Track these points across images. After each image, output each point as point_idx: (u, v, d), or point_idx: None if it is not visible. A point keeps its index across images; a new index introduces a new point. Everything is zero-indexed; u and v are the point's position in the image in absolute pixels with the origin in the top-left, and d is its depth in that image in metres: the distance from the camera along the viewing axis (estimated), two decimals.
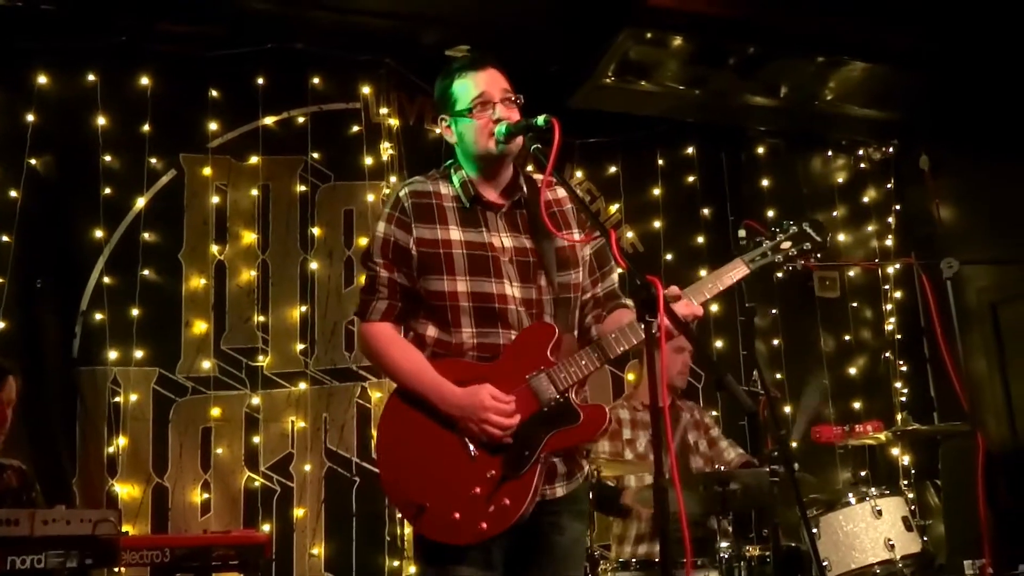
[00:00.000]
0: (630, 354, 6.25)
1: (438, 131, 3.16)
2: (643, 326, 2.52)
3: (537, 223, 3.02)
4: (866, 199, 7.49)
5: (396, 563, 5.64)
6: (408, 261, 2.97)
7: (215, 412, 5.64)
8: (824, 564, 4.49)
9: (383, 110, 6.23)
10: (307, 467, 5.71)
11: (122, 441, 5.42)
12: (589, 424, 2.87)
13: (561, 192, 3.14)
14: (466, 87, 3.00)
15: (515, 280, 2.96)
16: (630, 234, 6.81)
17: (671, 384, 5.42)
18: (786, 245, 3.07)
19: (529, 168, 3.16)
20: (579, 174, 6.71)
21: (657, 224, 6.85)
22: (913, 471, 6.63)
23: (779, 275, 5.92)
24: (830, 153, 7.55)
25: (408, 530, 5.36)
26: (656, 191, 6.92)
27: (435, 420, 2.89)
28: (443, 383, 2.88)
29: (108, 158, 5.66)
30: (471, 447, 2.85)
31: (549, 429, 2.85)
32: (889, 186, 7.49)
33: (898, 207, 7.42)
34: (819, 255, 3.09)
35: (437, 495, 2.82)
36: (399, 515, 2.83)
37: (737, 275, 3.03)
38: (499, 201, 3.04)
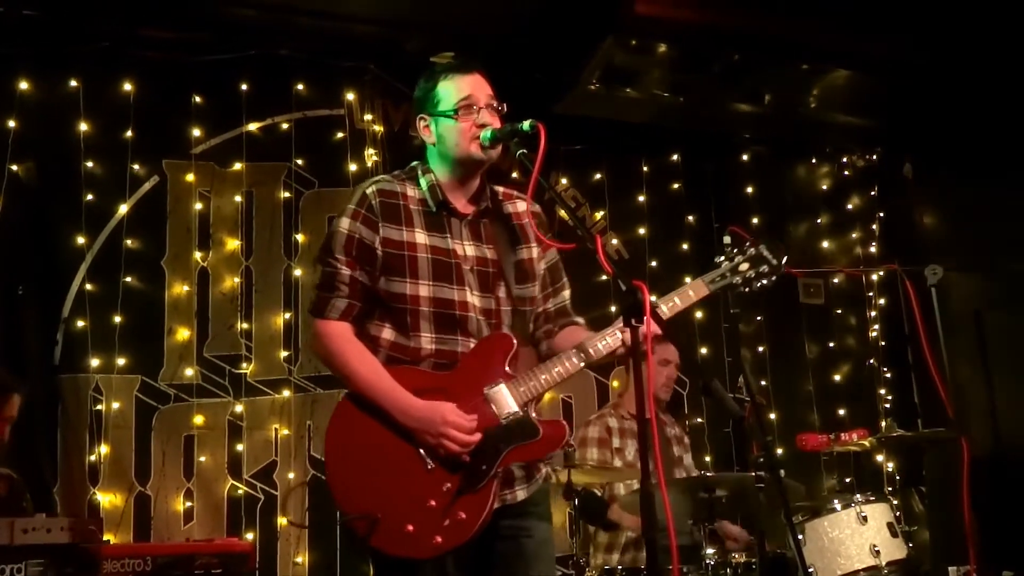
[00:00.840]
0: (615, 361, 6.33)
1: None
2: (615, 334, 2.51)
3: (500, 234, 3.02)
4: (850, 206, 7.51)
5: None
6: (372, 260, 2.91)
7: (198, 420, 5.60)
8: (810, 570, 4.48)
9: (367, 116, 6.21)
10: (291, 475, 5.68)
11: (104, 449, 5.38)
12: (548, 440, 2.85)
13: (521, 206, 3.13)
14: (451, 89, 2.97)
15: (475, 289, 2.94)
16: (615, 240, 6.81)
17: (656, 396, 5.42)
18: (744, 267, 3.03)
19: (514, 175, 3.14)
20: (564, 181, 6.70)
21: (642, 231, 6.86)
22: (898, 477, 6.65)
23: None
24: (814, 160, 7.58)
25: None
26: (641, 198, 6.92)
27: (390, 429, 2.81)
28: (402, 392, 2.82)
29: (90, 164, 5.62)
30: (427, 459, 2.79)
31: (508, 444, 2.81)
32: (873, 193, 7.51)
33: (882, 214, 7.44)
34: (775, 277, 3.05)
35: (391, 506, 2.75)
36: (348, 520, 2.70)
37: (696, 295, 3.01)
38: (465, 209, 3.01)
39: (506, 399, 2.83)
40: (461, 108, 2.94)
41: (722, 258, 3.07)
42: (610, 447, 5.26)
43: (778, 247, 3.06)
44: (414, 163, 3.08)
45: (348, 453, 2.84)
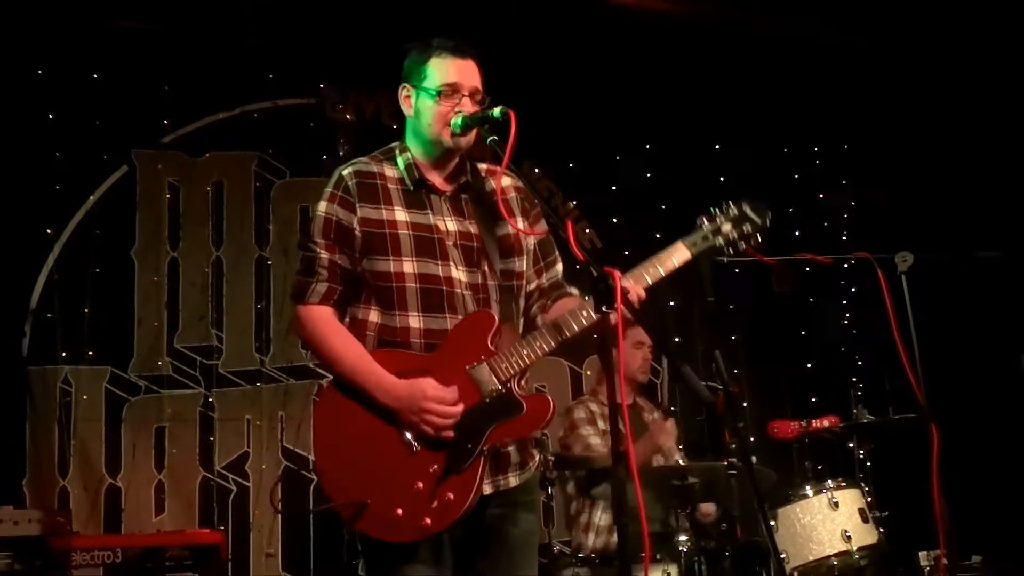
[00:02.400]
0: (589, 348, 6.33)
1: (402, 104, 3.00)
2: (592, 312, 2.49)
3: (481, 209, 2.98)
4: (821, 194, 7.53)
5: (355, 562, 5.58)
6: (351, 242, 2.87)
7: (169, 411, 5.57)
8: (782, 556, 4.50)
9: (339, 105, 6.17)
10: (264, 466, 5.65)
11: (73, 441, 5.33)
12: (533, 415, 2.80)
13: (506, 180, 3.09)
14: (440, 69, 2.92)
15: (460, 264, 2.90)
16: (588, 230, 6.80)
17: (632, 379, 5.43)
18: (727, 227, 2.95)
19: (483, 165, 3.11)
20: (537, 170, 6.68)
21: (615, 220, 6.85)
22: (869, 463, 6.68)
23: (724, 259, 5.91)
24: (785, 149, 7.58)
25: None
26: (614, 187, 6.91)
27: (374, 412, 2.79)
28: (383, 373, 2.79)
29: (58, 154, 5.55)
30: (412, 441, 2.76)
31: (492, 421, 2.77)
32: (844, 181, 7.53)
33: (853, 202, 7.46)
34: (759, 237, 2.97)
35: (378, 491, 2.73)
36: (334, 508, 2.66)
37: (679, 259, 2.92)
38: (443, 186, 2.98)
39: (489, 376, 2.79)
40: (444, 91, 2.90)
41: (703, 218, 2.98)
42: (597, 428, 5.27)
43: (761, 206, 2.99)
44: (392, 144, 3.06)
45: (335, 441, 2.82)
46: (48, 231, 5.50)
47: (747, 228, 2.98)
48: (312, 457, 2.89)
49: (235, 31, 5.89)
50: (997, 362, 6.20)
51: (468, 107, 2.92)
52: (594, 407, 5.33)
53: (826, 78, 6.62)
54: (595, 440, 5.12)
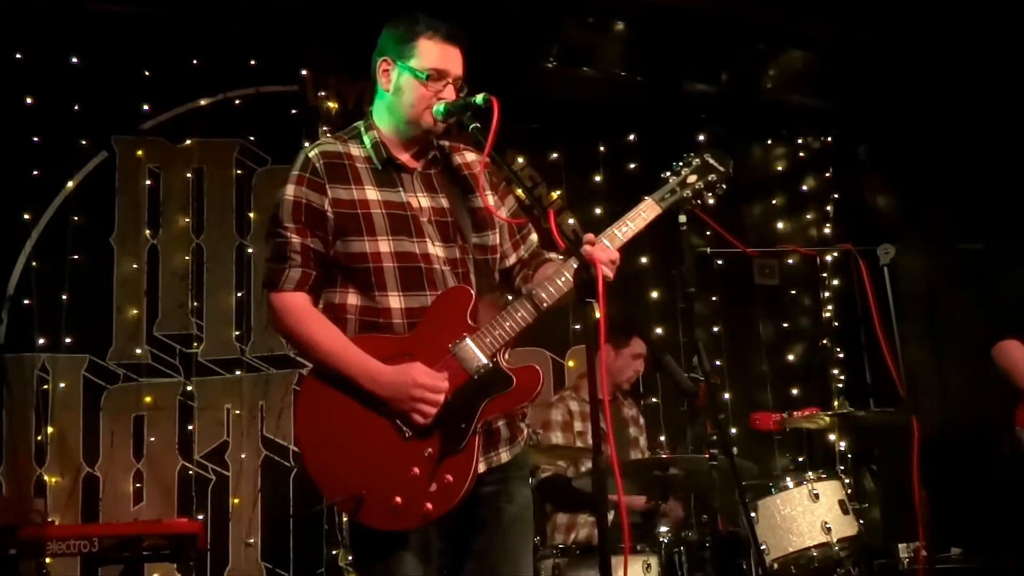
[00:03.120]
0: (571, 339, 6.33)
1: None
2: (569, 275, 2.50)
3: (451, 183, 2.95)
4: (805, 187, 7.55)
5: (335, 552, 5.56)
6: (323, 225, 2.80)
7: (148, 399, 5.53)
8: (762, 548, 4.50)
9: (321, 92, 6.13)
10: (243, 455, 5.61)
11: (51, 429, 5.29)
12: (523, 387, 2.76)
13: (470, 156, 3.06)
14: (431, 52, 2.87)
15: (437, 240, 2.86)
16: (571, 220, 6.78)
17: (618, 384, 5.43)
18: (692, 179, 2.96)
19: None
20: (521, 160, 6.66)
21: (599, 211, 6.83)
22: (849, 456, 6.71)
23: (708, 250, 5.89)
24: (770, 142, 7.60)
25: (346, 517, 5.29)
26: (598, 178, 6.90)
27: (360, 400, 2.72)
28: (369, 360, 2.72)
29: (36, 139, 5.50)
30: (403, 427, 2.71)
31: (483, 398, 2.72)
32: (827, 174, 7.55)
33: (836, 195, 7.48)
34: (724, 185, 2.98)
35: (374, 481, 2.67)
36: (331, 504, 2.61)
37: (649, 215, 2.91)
38: (412, 163, 2.94)
39: (474, 352, 2.75)
40: (432, 75, 2.86)
41: (668, 173, 2.99)
42: (573, 431, 5.26)
43: (723, 154, 3.00)
44: (356, 123, 3.02)
45: (322, 433, 2.76)
46: (26, 217, 5.43)
47: (712, 177, 2.99)
48: (295, 449, 2.83)
49: (217, 15, 5.83)
50: (977, 356, 6.22)
51: (451, 95, 2.89)
52: (574, 406, 5.32)
53: (813, 69, 6.61)
54: (559, 440, 5.11)
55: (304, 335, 2.79)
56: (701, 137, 7.25)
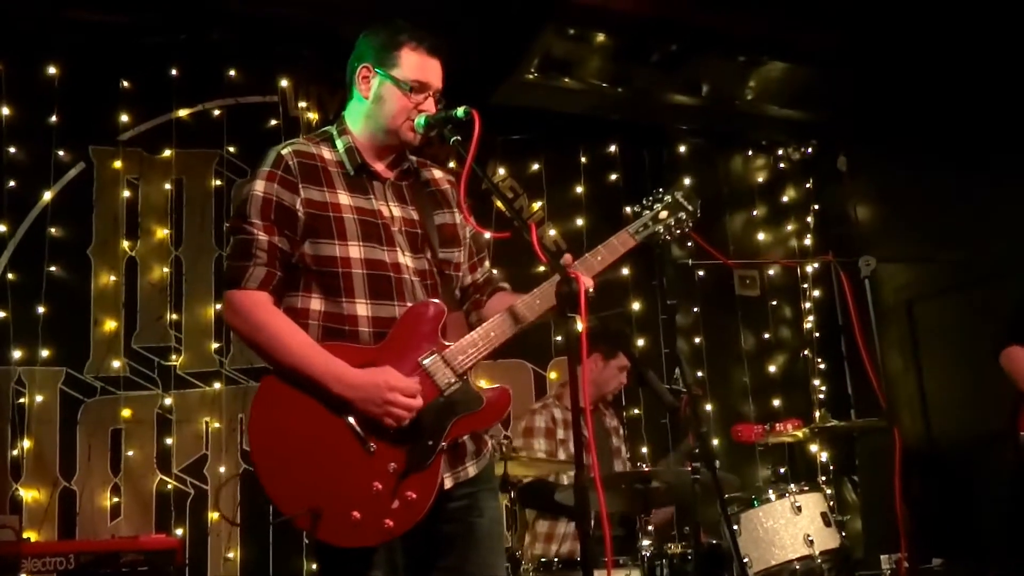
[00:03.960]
0: (552, 351, 6.32)
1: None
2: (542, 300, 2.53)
3: (421, 197, 2.93)
4: (785, 198, 7.57)
5: (315, 566, 5.51)
6: (292, 224, 2.73)
7: (125, 413, 5.47)
8: (745, 561, 4.50)
9: (302, 103, 6.11)
10: (222, 469, 5.56)
11: (27, 444, 5.23)
12: (492, 408, 2.74)
13: (437, 174, 3.06)
14: (414, 63, 2.86)
15: (407, 250, 2.83)
16: (553, 232, 6.77)
17: (603, 395, 5.42)
18: (664, 215, 3.07)
19: (451, 163, 3.08)
20: (501, 171, 6.65)
21: (580, 222, 6.83)
22: (831, 467, 6.72)
23: (689, 262, 5.93)
24: (750, 152, 7.61)
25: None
26: (579, 188, 6.89)
27: (324, 408, 2.63)
28: (338, 362, 2.63)
29: (12, 150, 5.45)
30: (368, 440, 2.62)
31: (451, 416, 2.69)
32: (808, 186, 7.57)
33: (817, 206, 7.50)
34: (691, 224, 3.11)
35: (333, 494, 2.58)
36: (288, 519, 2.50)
37: (624, 247, 3.01)
38: (386, 172, 2.92)
39: (444, 370, 2.71)
40: (414, 87, 2.86)
41: (641, 208, 3.10)
42: (555, 438, 5.23)
43: (691, 194, 3.12)
44: (327, 127, 2.99)
45: (278, 442, 2.64)
46: (2, 229, 5.38)
47: (681, 215, 3.09)
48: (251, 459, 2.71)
49: (196, 26, 5.80)
50: (958, 366, 6.25)
51: (431, 107, 2.88)
52: (557, 413, 5.29)
53: (793, 80, 6.63)
54: (541, 456, 5.09)
55: (267, 334, 2.68)
56: (682, 148, 7.28)
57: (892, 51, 6.22)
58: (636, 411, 6.59)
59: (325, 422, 2.63)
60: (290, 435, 2.64)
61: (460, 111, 2.78)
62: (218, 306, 5.74)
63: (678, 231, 3.09)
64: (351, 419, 2.64)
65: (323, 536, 2.60)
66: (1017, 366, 4.51)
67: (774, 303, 7.35)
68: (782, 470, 6.72)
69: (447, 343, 2.76)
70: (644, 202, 3.09)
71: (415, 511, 2.62)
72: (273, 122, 6.05)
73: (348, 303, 2.73)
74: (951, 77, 6.08)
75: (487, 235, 3.05)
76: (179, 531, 5.37)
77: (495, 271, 3.16)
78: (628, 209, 3.12)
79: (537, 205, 6.77)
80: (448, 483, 2.74)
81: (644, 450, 6.49)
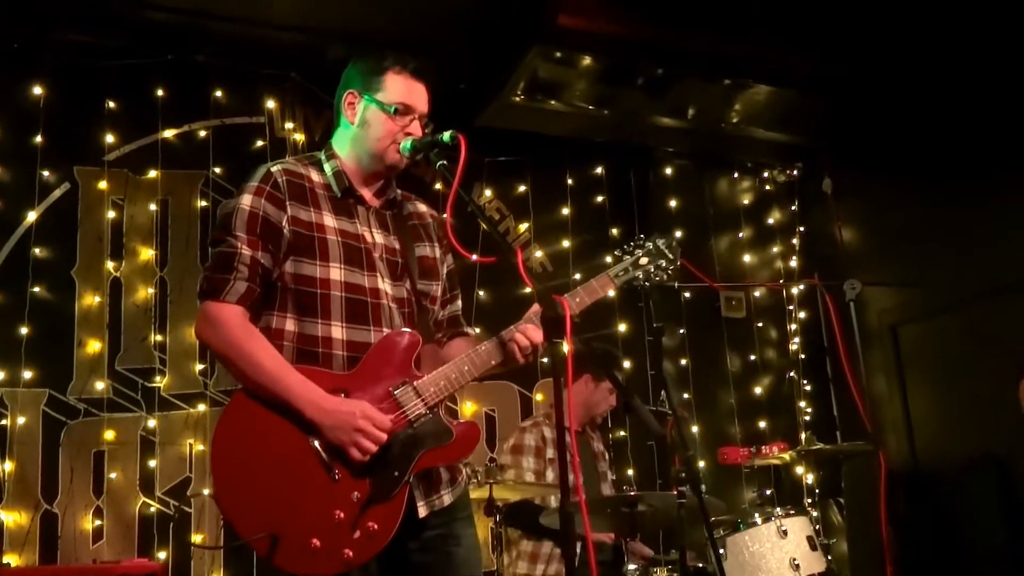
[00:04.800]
0: (538, 373, 6.31)
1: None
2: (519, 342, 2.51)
3: (404, 228, 2.95)
4: (771, 220, 7.60)
5: None
6: (277, 241, 2.71)
7: (109, 435, 5.42)
8: None
9: (288, 125, 6.11)
10: (206, 491, 5.52)
11: (8, 466, 5.18)
12: (461, 442, 2.73)
13: (421, 207, 3.09)
14: (398, 87, 2.88)
15: (387, 276, 2.83)
16: (539, 253, 6.78)
17: (592, 417, 5.41)
18: (644, 261, 3.09)
19: (437, 186, 3.09)
20: (488, 192, 6.65)
21: (566, 243, 6.84)
22: (817, 490, 6.71)
23: (675, 285, 5.96)
24: (736, 175, 7.64)
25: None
26: (565, 210, 6.91)
27: (293, 430, 2.59)
28: (314, 387, 2.60)
29: None
30: (333, 467, 2.60)
31: (419, 448, 2.67)
32: (793, 208, 7.60)
33: (802, 228, 7.53)
34: (671, 272, 3.13)
35: (292, 520, 2.54)
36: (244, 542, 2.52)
37: (603, 290, 3.01)
38: (372, 200, 2.94)
39: (415, 400, 2.70)
40: (399, 110, 2.87)
41: (622, 252, 3.12)
42: (544, 457, 5.22)
43: (672, 242, 3.15)
44: (315, 151, 3.00)
45: (242, 461, 2.59)
46: None
47: (661, 263, 3.11)
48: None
49: (183, 47, 5.81)
50: (943, 388, 6.26)
51: (417, 130, 2.89)
52: (547, 432, 5.28)
53: (778, 103, 6.66)
54: (529, 477, 5.08)
55: (243, 351, 2.64)
56: (668, 171, 7.30)
57: (876, 74, 6.27)
58: (622, 433, 6.58)
59: (292, 445, 2.60)
60: (254, 455, 2.60)
61: (446, 135, 2.78)
62: None
63: (657, 278, 3.11)
64: (318, 444, 2.61)
65: (279, 562, 2.55)
66: None
67: (760, 325, 7.37)
68: (768, 492, 6.73)
69: (419, 374, 2.75)
70: (625, 247, 3.11)
71: (376, 542, 2.59)
72: (259, 143, 6.04)
73: (324, 325, 2.72)
74: (935, 100, 6.12)
75: (473, 258, 3.05)
76: (162, 554, 5.32)
77: (462, 317, 3.15)
78: (609, 259, 3.12)
79: (523, 227, 6.78)
80: (423, 511, 2.73)
81: (630, 472, 6.48)
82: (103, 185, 5.68)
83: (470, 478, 4.04)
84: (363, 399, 2.66)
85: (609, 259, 6.91)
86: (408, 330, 2.79)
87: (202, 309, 2.71)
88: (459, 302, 3.12)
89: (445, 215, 2.98)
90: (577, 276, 6.79)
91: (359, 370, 2.70)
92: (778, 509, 4.78)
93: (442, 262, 3.03)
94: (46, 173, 5.55)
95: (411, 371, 2.74)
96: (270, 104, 6.10)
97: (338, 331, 2.73)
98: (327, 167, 2.90)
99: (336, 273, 2.75)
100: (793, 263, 7.48)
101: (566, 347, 2.46)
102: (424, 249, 2.98)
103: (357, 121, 2.91)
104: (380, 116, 2.87)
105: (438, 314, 3.04)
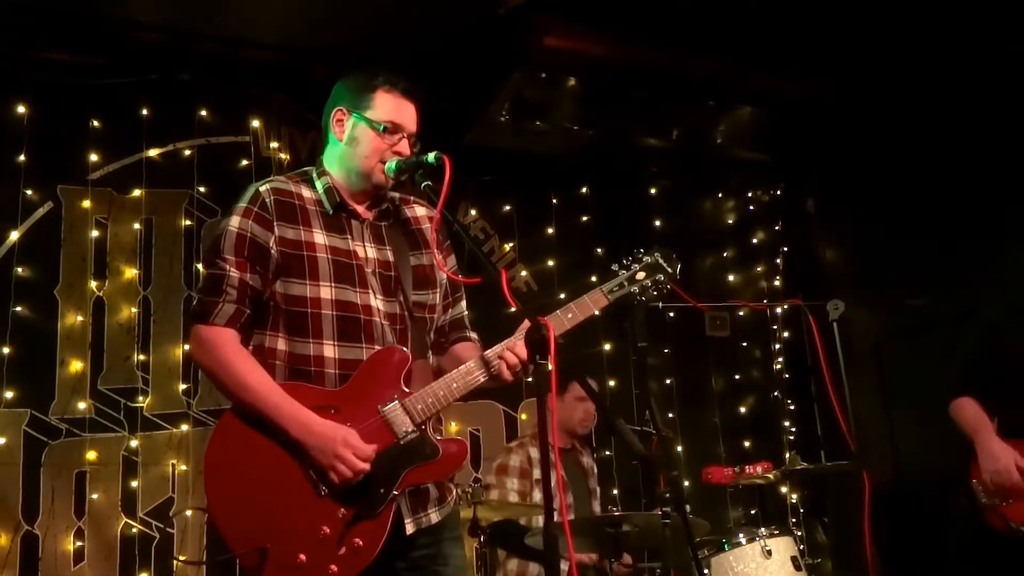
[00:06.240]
0: (523, 392, 6.30)
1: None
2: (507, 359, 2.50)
3: (399, 237, 2.95)
4: (755, 240, 7.62)
5: None
6: (265, 262, 2.75)
7: (91, 455, 5.38)
8: None
9: (274, 144, 6.11)
10: (188, 512, 5.49)
11: None
12: (448, 460, 2.73)
13: (420, 211, 3.08)
14: (388, 105, 2.90)
15: (379, 293, 2.84)
16: (524, 273, 6.78)
17: (572, 431, 5.40)
18: (641, 275, 3.04)
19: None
20: (473, 212, 6.66)
21: (551, 263, 6.84)
22: (801, 510, 6.72)
23: (660, 304, 5.98)
24: (720, 195, 7.67)
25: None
26: (550, 230, 6.92)
27: (280, 449, 2.64)
28: (299, 407, 2.64)
29: None
30: (320, 483, 2.63)
31: (406, 465, 2.68)
32: (777, 228, 7.63)
33: (785, 248, 7.56)
34: (670, 287, 3.07)
35: (280, 535, 2.58)
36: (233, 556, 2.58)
37: (597, 305, 2.99)
38: (365, 213, 2.94)
39: (403, 418, 2.71)
40: (388, 128, 2.88)
41: (618, 267, 3.07)
42: (531, 478, 5.21)
43: (671, 256, 3.09)
44: (306, 167, 3.00)
45: (233, 477, 2.65)
46: None
47: (659, 277, 3.06)
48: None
49: (168, 66, 5.80)
50: (926, 409, 6.28)
51: (405, 149, 2.90)
52: (534, 452, 5.27)
53: (762, 124, 6.70)
54: (513, 497, 5.07)
55: (232, 372, 2.69)
56: (652, 191, 7.32)
57: (859, 96, 6.31)
58: (607, 452, 6.57)
59: (280, 462, 2.64)
60: (245, 472, 2.65)
61: (431, 156, 2.79)
62: (186, 347, 5.68)
63: (655, 292, 3.04)
64: (304, 463, 2.64)
65: None
66: (964, 418, 4.46)
67: (744, 344, 7.38)
68: (753, 511, 6.73)
69: (408, 390, 2.75)
70: (624, 261, 3.06)
71: (361, 559, 2.60)
72: (244, 162, 6.03)
73: (316, 344, 2.74)
74: (918, 121, 6.16)
75: (458, 280, 3.05)
76: None
77: (468, 316, 3.15)
78: (595, 277, 3.08)
79: (508, 246, 6.79)
80: (410, 528, 2.73)
81: (615, 492, 6.46)
82: (87, 204, 5.66)
83: (459, 498, 4.02)
84: (351, 416, 2.68)
85: (594, 278, 6.94)
86: (399, 347, 2.79)
87: (193, 332, 2.77)
88: (463, 304, 3.12)
89: (431, 211, 2.99)
90: (562, 296, 6.80)
91: (349, 387, 2.72)
92: (762, 529, 4.77)
93: (442, 267, 3.01)
94: (29, 192, 5.53)
95: (400, 388, 2.74)
96: (255, 123, 6.09)
97: (330, 350, 2.74)
98: (318, 184, 2.91)
99: (326, 292, 2.77)
100: (777, 283, 7.50)
101: (550, 366, 2.46)
102: (420, 258, 2.98)
103: (345, 138, 2.92)
104: (368, 134, 2.88)
105: (439, 320, 3.04)
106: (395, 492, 2.66)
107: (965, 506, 4.53)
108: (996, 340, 4.26)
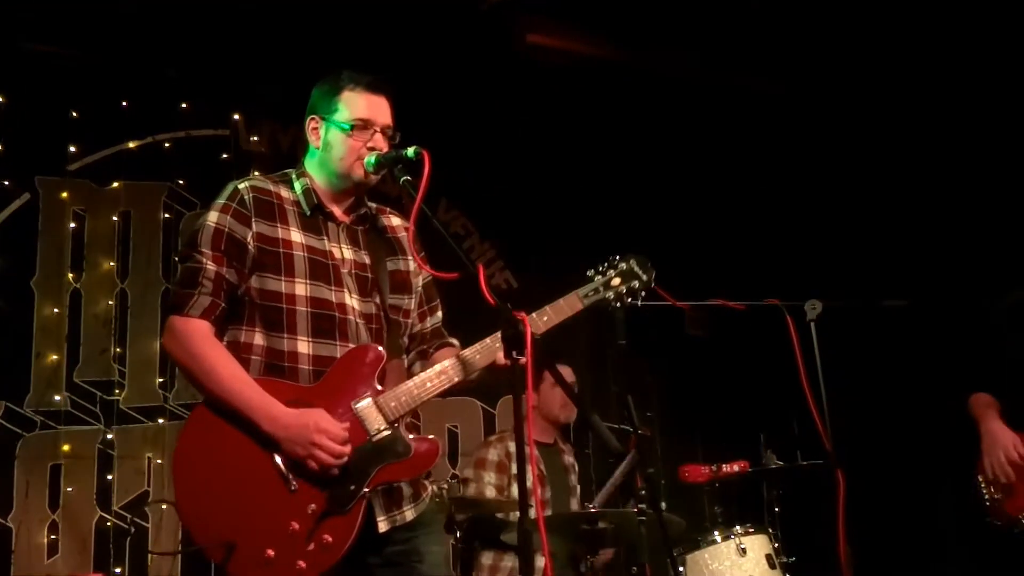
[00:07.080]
0: (502, 389, 6.30)
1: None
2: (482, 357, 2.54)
3: (375, 243, 2.96)
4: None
5: None
6: (242, 257, 2.77)
7: (65, 448, 5.36)
8: None
9: (254, 138, 6.09)
10: (164, 506, 5.46)
11: None
12: (420, 458, 2.74)
13: (395, 221, 3.10)
14: (354, 104, 2.90)
15: (354, 292, 2.85)
16: (504, 269, 6.78)
17: (555, 419, 5.40)
18: (616, 281, 3.04)
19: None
20: (454, 210, 6.65)
21: (532, 261, 6.84)
22: (776, 508, 6.73)
23: (639, 303, 5.98)
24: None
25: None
26: (530, 228, 6.91)
27: (251, 442, 2.64)
28: (271, 400, 2.65)
29: None
30: (291, 478, 2.63)
31: (377, 462, 2.68)
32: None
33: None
34: (644, 294, 3.08)
35: (248, 529, 2.58)
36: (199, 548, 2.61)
37: (571, 309, 3.00)
38: (342, 216, 2.95)
39: (375, 415, 2.71)
40: (357, 126, 2.88)
41: (593, 272, 3.07)
42: (508, 472, 5.20)
43: (646, 263, 3.08)
44: (287, 170, 3.01)
45: (201, 470, 2.66)
46: None
47: (634, 284, 3.06)
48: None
49: (148, 58, 5.77)
50: (902, 408, 6.32)
51: (380, 144, 2.90)
52: (512, 447, 5.25)
53: (737, 123, 6.73)
54: (490, 492, 5.07)
55: (204, 364, 2.70)
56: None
57: (831, 90, 6.36)
58: (586, 450, 6.58)
59: (251, 456, 2.64)
60: (214, 465, 2.66)
61: (410, 151, 2.79)
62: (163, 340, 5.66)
63: (629, 299, 3.05)
64: (277, 456, 2.64)
65: (233, 570, 2.59)
66: (975, 403, 4.47)
67: (723, 343, 7.38)
68: (723, 510, 6.74)
69: (382, 388, 2.76)
70: (599, 267, 3.06)
71: (330, 555, 2.60)
72: (224, 155, 6.01)
73: (290, 339, 2.75)
74: (890, 117, 6.21)
75: (435, 274, 3.04)
76: (118, 569, 5.27)
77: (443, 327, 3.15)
78: (590, 272, 3.07)
79: (487, 244, 6.78)
80: (383, 526, 2.73)
81: (593, 489, 6.46)
82: (64, 195, 5.64)
83: (435, 495, 4.02)
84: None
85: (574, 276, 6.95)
86: (374, 345, 2.80)
87: (167, 323, 2.78)
88: (440, 312, 3.13)
89: (406, 223, 3.00)
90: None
91: (322, 383, 2.73)
92: (737, 527, 4.80)
93: (416, 274, 3.03)
94: (6, 182, 5.50)
95: (374, 386, 2.75)
96: (236, 116, 6.07)
97: (304, 346, 2.75)
98: (297, 185, 2.93)
99: (301, 288, 2.78)
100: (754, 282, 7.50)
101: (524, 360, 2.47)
102: (397, 263, 3.00)
103: (321, 145, 2.94)
104: (340, 136, 2.90)
105: (416, 326, 3.05)
106: (366, 489, 2.66)
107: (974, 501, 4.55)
108: (996, 340, 4.31)
